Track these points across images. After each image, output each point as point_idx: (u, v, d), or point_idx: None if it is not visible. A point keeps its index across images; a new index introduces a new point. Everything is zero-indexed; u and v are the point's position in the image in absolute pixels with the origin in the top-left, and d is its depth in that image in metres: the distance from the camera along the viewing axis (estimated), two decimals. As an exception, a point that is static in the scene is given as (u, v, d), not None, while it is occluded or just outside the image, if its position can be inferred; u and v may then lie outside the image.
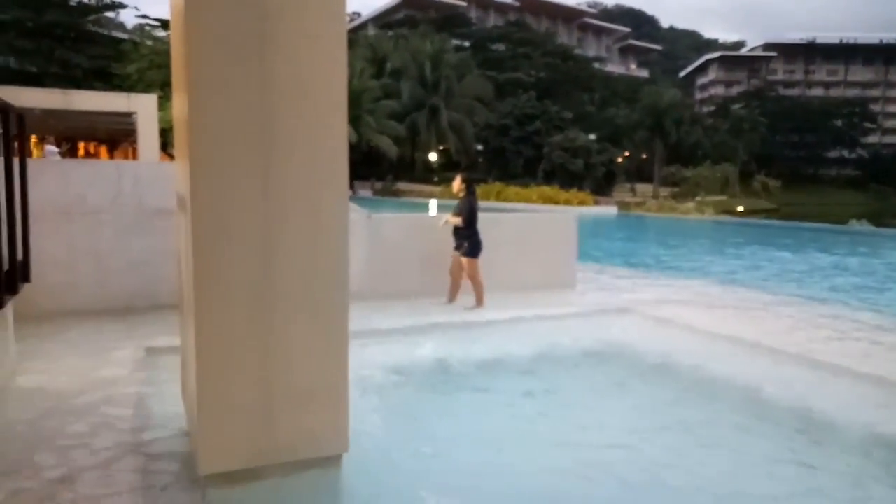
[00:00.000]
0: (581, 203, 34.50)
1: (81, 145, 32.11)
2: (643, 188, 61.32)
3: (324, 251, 3.36)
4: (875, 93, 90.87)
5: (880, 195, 70.51)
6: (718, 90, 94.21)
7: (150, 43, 40.18)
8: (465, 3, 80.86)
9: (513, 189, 38.65)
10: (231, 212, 3.15)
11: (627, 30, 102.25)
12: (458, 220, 7.64)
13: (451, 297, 7.92)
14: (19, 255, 4.82)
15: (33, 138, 23.84)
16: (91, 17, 42.38)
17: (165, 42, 36.86)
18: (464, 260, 7.69)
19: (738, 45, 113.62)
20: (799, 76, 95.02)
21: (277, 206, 3.22)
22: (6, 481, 3.18)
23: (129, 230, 7.32)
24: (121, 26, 48.94)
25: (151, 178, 7.48)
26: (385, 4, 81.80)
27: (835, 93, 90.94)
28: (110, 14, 45.15)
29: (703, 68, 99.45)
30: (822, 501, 3.76)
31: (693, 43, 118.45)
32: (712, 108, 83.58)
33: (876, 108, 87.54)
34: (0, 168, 4.51)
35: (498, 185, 40.28)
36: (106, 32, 43.23)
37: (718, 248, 21.10)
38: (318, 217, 3.32)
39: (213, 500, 3.14)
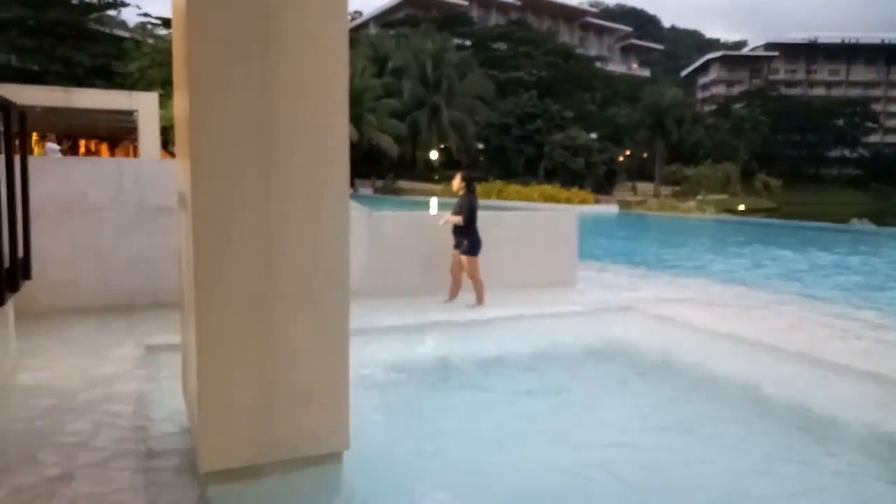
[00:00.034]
0: (582, 202, 34.50)
1: (82, 143, 32.15)
2: (644, 187, 61.27)
3: (324, 249, 3.36)
4: (877, 92, 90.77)
5: (882, 194, 70.46)
6: (720, 89, 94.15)
7: (151, 41, 40.20)
8: (466, 3, 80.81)
9: (514, 188, 38.64)
10: (232, 210, 3.15)
11: (629, 29, 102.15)
12: (458, 219, 7.64)
13: (452, 295, 7.92)
14: (20, 253, 4.82)
15: (34, 136, 23.87)
16: (93, 16, 42.39)
17: (167, 40, 36.89)
18: (463, 258, 7.69)
19: (740, 44, 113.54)
20: (801, 76, 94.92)
21: (278, 204, 3.23)
22: (7, 478, 3.18)
23: (130, 228, 7.32)
24: (122, 24, 48.88)
25: (152, 175, 7.48)
26: (386, 3, 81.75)
27: (836, 92, 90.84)
28: (112, 12, 45.12)
29: (704, 68, 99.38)
30: (825, 500, 3.76)
31: (695, 42, 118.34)
32: (714, 107, 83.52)
33: (877, 107, 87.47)
34: (1, 165, 4.51)
35: (499, 184, 40.27)
36: (107, 31, 43.22)
37: (720, 246, 21.08)
38: (319, 215, 3.32)
39: (214, 497, 3.14)
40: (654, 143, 63.03)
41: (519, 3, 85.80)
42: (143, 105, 18.67)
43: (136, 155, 21.40)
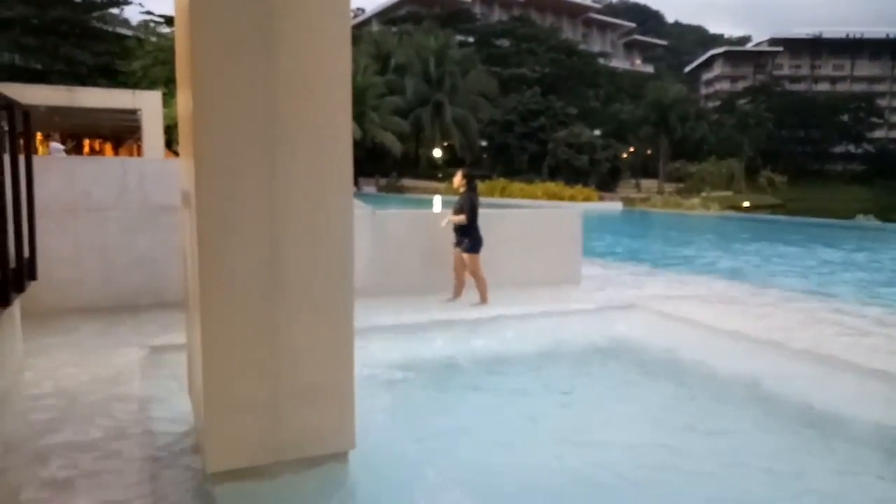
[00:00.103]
0: (586, 199, 34.45)
1: (86, 142, 32.20)
2: (648, 184, 61.18)
3: (328, 248, 3.35)
4: (882, 87, 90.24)
5: (887, 190, 70.04)
6: (724, 85, 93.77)
7: (154, 39, 40.18)
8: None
9: (517, 185, 38.61)
10: (236, 208, 3.14)
11: (632, 25, 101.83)
12: (461, 219, 7.61)
13: (456, 293, 7.91)
14: (26, 253, 4.82)
15: (38, 135, 23.91)
16: (95, 14, 42.43)
17: (170, 38, 36.87)
18: (465, 256, 7.68)
19: (744, 40, 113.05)
20: (805, 71, 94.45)
21: (282, 203, 3.22)
22: (12, 479, 3.18)
23: (135, 227, 7.33)
24: (125, 23, 48.91)
25: (156, 174, 7.48)
26: (389, 0, 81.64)
27: (841, 88, 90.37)
28: (115, 10, 45.17)
29: (708, 63, 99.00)
30: (828, 500, 3.74)
31: (698, 38, 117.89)
32: (718, 103, 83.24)
33: (882, 102, 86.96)
34: (6, 165, 4.51)
35: (502, 182, 40.23)
36: (110, 29, 43.25)
37: (725, 243, 21.03)
38: (323, 214, 3.31)
39: (220, 497, 3.14)
40: (657, 140, 62.89)
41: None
42: (147, 104, 18.68)
43: (139, 154, 21.43)
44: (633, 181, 61.36)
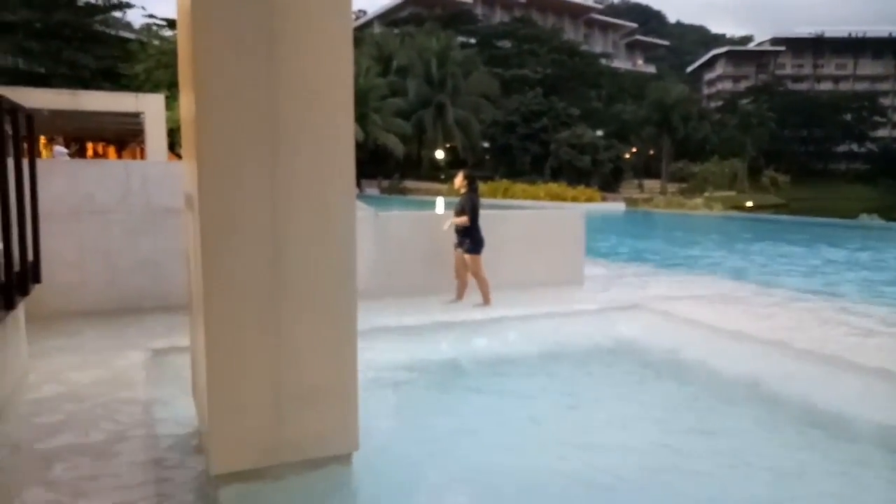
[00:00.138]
0: (588, 200, 34.42)
1: (90, 146, 32.29)
2: (651, 184, 61.14)
3: (331, 249, 3.35)
4: (885, 86, 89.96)
5: (890, 189, 69.82)
6: (726, 85, 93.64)
7: (157, 43, 40.37)
8: (470, 0, 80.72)
9: (520, 186, 38.60)
10: (238, 210, 3.15)
11: (634, 25, 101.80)
12: (463, 220, 7.61)
13: (459, 294, 7.91)
14: (30, 256, 4.84)
15: (42, 139, 23.98)
16: (98, 18, 42.50)
17: (172, 41, 36.98)
18: (466, 256, 7.68)
19: (746, 39, 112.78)
20: (807, 70, 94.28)
21: (284, 205, 3.22)
22: (16, 481, 3.19)
23: (138, 230, 7.34)
24: (128, 26, 49.07)
25: (159, 177, 7.50)
26: (391, 2, 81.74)
27: (844, 87, 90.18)
28: (117, 14, 45.22)
29: (710, 63, 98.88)
30: (832, 500, 3.72)
31: (700, 38, 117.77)
32: (720, 103, 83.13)
33: (886, 101, 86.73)
34: (10, 169, 4.52)
35: (505, 183, 40.24)
36: (113, 32, 43.35)
37: (728, 243, 20.98)
38: (326, 215, 3.32)
39: (224, 499, 3.14)
40: (660, 140, 62.84)
41: (523, 0, 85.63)
42: (150, 107, 18.71)
43: (143, 157, 21.47)
44: (635, 182, 61.31)
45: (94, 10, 42.40)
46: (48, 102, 17.28)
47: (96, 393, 4.45)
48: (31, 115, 4.96)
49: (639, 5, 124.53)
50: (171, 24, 39.83)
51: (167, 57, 35.35)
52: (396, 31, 64.32)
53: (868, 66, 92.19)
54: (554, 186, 37.91)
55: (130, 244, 7.32)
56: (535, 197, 34.69)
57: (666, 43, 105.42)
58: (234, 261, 3.16)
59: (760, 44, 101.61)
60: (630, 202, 40.00)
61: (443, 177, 52.18)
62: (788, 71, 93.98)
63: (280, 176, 3.20)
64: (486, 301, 7.68)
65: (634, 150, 62.01)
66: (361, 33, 63.64)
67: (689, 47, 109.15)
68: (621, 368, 6.12)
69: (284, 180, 3.21)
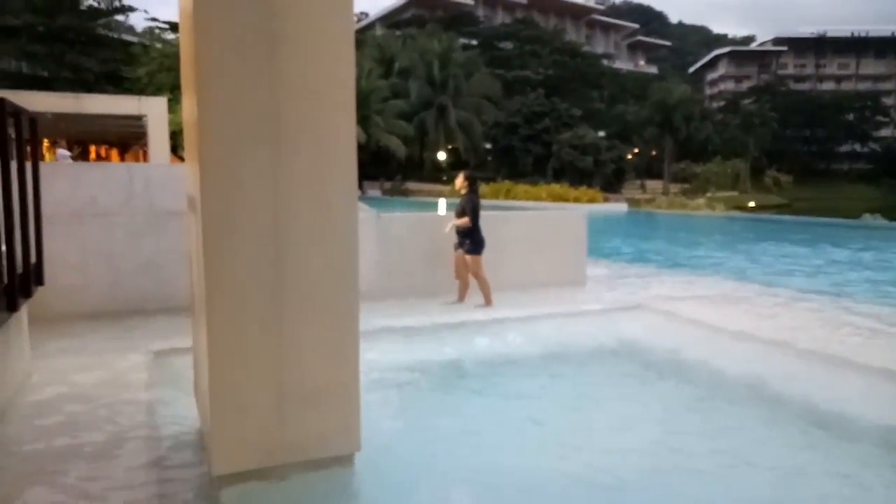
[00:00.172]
0: (591, 200, 34.38)
1: (93, 149, 32.36)
2: (653, 185, 61.10)
3: (334, 251, 3.36)
4: (887, 86, 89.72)
5: (893, 189, 69.70)
6: (728, 85, 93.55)
7: (159, 46, 40.49)
8: (472, 2, 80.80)
9: (522, 187, 38.58)
10: (241, 212, 3.16)
11: (636, 26, 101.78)
12: (465, 221, 7.62)
13: (461, 296, 7.91)
14: (33, 258, 4.85)
15: (45, 142, 24.04)
16: (101, 21, 42.70)
17: (175, 45, 37.08)
18: (467, 257, 7.68)
19: (748, 39, 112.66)
20: (810, 70, 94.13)
21: (287, 207, 3.23)
22: (19, 482, 3.20)
23: (141, 232, 7.36)
24: (130, 29, 49.34)
25: (162, 180, 7.52)
26: (392, 4, 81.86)
27: (846, 86, 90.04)
28: (120, 18, 45.48)
29: (712, 64, 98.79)
30: (835, 500, 3.72)
31: (702, 38, 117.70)
32: (722, 103, 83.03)
33: (888, 101, 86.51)
34: (13, 172, 4.54)
35: (507, 184, 40.24)
36: (116, 36, 43.56)
37: (731, 243, 20.95)
38: (328, 217, 3.32)
39: (226, 500, 3.15)
40: (662, 141, 62.79)
41: (525, 1, 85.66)
42: (153, 110, 18.77)
43: (145, 160, 21.52)
44: (637, 182, 61.27)
45: (97, 13, 42.60)
46: (51, 106, 17.35)
47: (99, 394, 4.46)
48: (34, 119, 4.98)
49: (640, 6, 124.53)
50: (174, 27, 39.96)
51: (170, 60, 35.46)
52: (398, 33, 64.37)
53: (871, 66, 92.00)
54: (556, 187, 37.88)
55: (133, 246, 7.34)
56: (537, 198, 34.67)
57: (668, 43, 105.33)
58: (236, 262, 3.17)
59: (762, 44, 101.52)
60: (632, 203, 39.97)
61: (445, 178, 52.19)
62: (791, 71, 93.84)
63: (282, 177, 3.21)
64: (488, 302, 7.69)
65: (636, 150, 61.96)
66: (363, 35, 63.72)
67: (691, 48, 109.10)
68: (623, 369, 6.12)
69: (286, 182, 3.22)
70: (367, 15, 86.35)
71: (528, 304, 7.63)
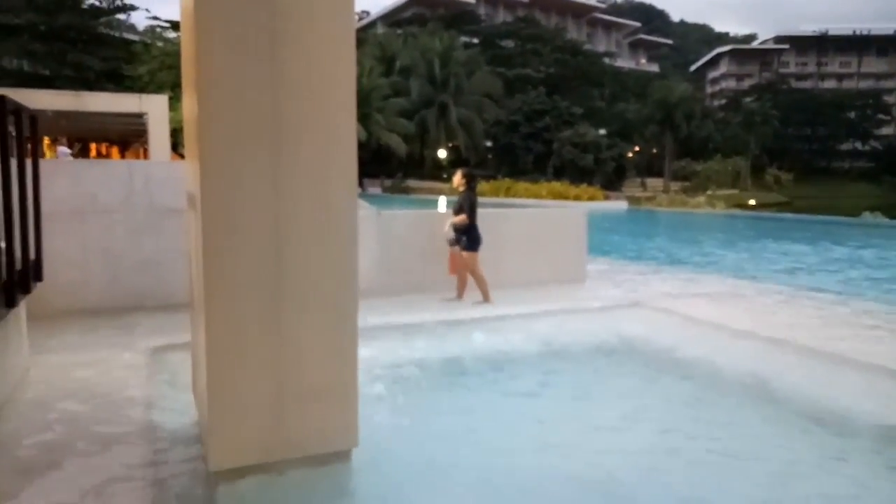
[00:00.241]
0: (591, 198, 34.37)
1: (93, 146, 32.38)
2: (654, 183, 61.05)
3: (333, 248, 3.36)
4: (889, 84, 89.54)
5: (894, 187, 69.66)
6: (730, 83, 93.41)
7: (160, 44, 40.50)
8: (473, 0, 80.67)
9: (522, 185, 38.56)
10: (240, 210, 3.16)
11: (637, 24, 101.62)
12: (462, 219, 7.61)
13: (460, 293, 7.92)
14: (32, 255, 4.86)
15: (46, 140, 24.06)
16: (102, 20, 42.73)
17: (176, 43, 37.11)
18: (464, 254, 7.68)
19: (750, 38, 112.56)
20: (811, 68, 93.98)
21: (287, 204, 3.23)
22: (16, 479, 3.21)
23: (141, 229, 7.37)
24: (132, 28, 49.33)
25: (162, 177, 7.52)
26: (394, 3, 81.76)
27: (848, 85, 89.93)
28: (121, 16, 45.52)
29: (714, 62, 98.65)
30: (836, 500, 3.72)
31: (704, 36, 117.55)
32: (723, 101, 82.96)
33: (890, 99, 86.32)
34: (13, 169, 4.55)
35: (507, 182, 40.19)
36: (117, 34, 43.59)
37: (731, 241, 20.95)
38: (328, 214, 3.33)
39: (224, 496, 3.15)
40: (663, 139, 62.76)
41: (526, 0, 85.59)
42: (153, 108, 18.80)
43: (146, 157, 21.54)
44: (638, 180, 61.21)
45: (98, 12, 42.63)
46: (52, 103, 17.39)
47: (97, 391, 4.47)
48: (34, 116, 4.98)
49: (642, 4, 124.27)
50: (175, 25, 39.95)
51: (171, 58, 35.48)
52: (399, 31, 64.33)
53: (872, 64, 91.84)
54: (556, 185, 37.86)
55: (133, 244, 7.35)
56: (538, 196, 34.64)
57: (669, 42, 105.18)
58: (235, 259, 3.17)
59: (764, 42, 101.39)
60: (633, 201, 39.97)
61: (445, 176, 52.11)
62: (792, 69, 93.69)
63: (282, 175, 3.22)
64: (486, 299, 7.69)
65: (637, 148, 61.92)
66: (365, 34, 63.70)
67: (692, 46, 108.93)
68: (623, 366, 6.12)
69: (286, 180, 3.23)
70: (368, 13, 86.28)
71: (528, 301, 7.63)
